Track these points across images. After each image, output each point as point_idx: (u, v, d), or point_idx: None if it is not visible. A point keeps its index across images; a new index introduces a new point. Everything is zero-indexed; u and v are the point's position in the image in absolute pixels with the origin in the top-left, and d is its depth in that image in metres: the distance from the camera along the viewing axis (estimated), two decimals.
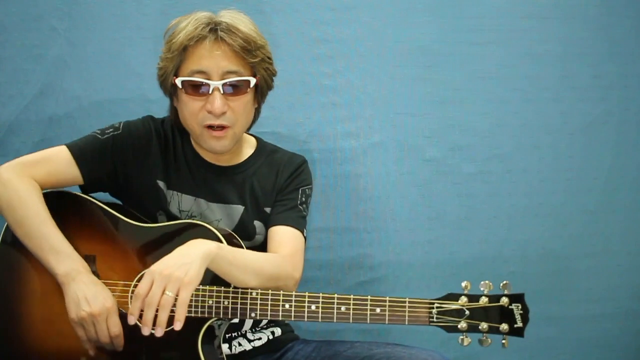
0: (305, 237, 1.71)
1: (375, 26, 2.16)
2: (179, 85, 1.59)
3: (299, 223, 1.70)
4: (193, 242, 1.48)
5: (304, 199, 1.74)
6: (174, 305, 1.39)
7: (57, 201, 1.61)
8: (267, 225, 1.71)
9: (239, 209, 1.70)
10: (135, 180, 1.66)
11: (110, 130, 1.66)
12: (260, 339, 1.70)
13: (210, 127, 1.60)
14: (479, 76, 2.19)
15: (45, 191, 1.61)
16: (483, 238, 2.19)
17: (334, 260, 2.13)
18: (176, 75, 1.60)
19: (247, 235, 1.69)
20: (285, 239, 1.67)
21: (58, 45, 2.05)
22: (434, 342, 2.10)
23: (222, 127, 1.60)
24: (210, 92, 1.57)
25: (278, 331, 1.76)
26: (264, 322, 1.73)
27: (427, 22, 2.17)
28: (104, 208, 1.63)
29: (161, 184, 1.67)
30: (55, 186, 1.63)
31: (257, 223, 1.72)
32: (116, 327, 1.47)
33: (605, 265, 2.24)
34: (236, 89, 1.60)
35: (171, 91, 1.65)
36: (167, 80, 1.61)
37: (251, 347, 1.69)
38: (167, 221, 1.64)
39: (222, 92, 1.57)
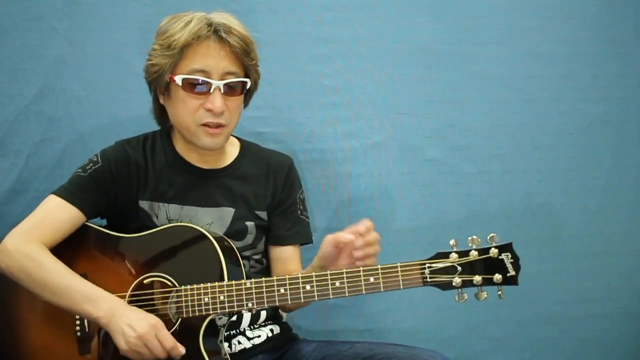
0: (312, 239, 1.82)
1: (375, 26, 2.16)
2: (179, 82, 1.59)
3: (308, 234, 1.81)
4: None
5: (302, 206, 1.81)
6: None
7: None
8: (274, 240, 1.76)
9: (230, 211, 1.71)
10: (120, 205, 1.68)
11: (91, 165, 1.67)
12: (259, 336, 1.71)
13: (207, 125, 1.61)
14: (479, 76, 2.19)
15: None
16: (483, 238, 2.18)
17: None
18: (173, 72, 1.60)
19: (239, 236, 1.71)
20: (296, 257, 1.78)
21: (58, 45, 2.04)
22: (435, 342, 2.11)
23: (218, 126, 1.62)
24: (211, 91, 1.59)
25: (277, 329, 1.76)
26: (262, 319, 1.73)
27: (427, 22, 2.17)
28: (89, 225, 1.65)
29: (145, 203, 1.68)
30: (61, 239, 1.60)
31: (248, 223, 1.73)
32: (168, 340, 1.48)
33: (605, 265, 2.24)
34: (233, 89, 1.63)
35: (163, 88, 1.65)
36: (162, 77, 1.62)
37: (251, 345, 1.69)
38: None
39: (222, 91, 1.59)
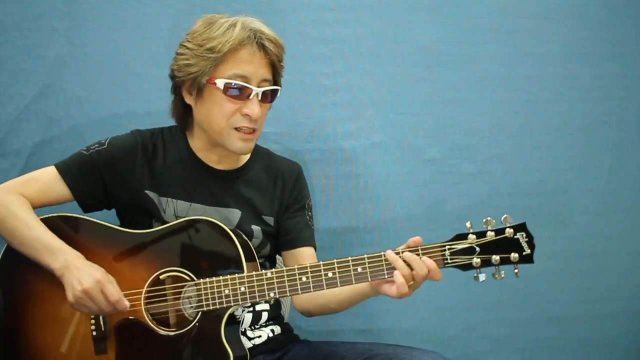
0: (316, 247, 1.81)
1: (375, 26, 2.16)
2: (220, 86, 1.59)
3: (314, 240, 1.80)
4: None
5: (310, 213, 1.81)
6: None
7: (56, 224, 1.63)
8: (288, 244, 1.77)
9: (237, 213, 1.71)
10: (125, 193, 1.68)
11: (96, 145, 1.68)
12: (260, 336, 1.70)
13: (241, 129, 1.62)
14: (479, 76, 2.19)
15: (50, 215, 1.63)
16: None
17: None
18: (212, 75, 1.60)
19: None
20: (314, 260, 1.76)
21: (58, 45, 2.04)
22: (435, 342, 2.11)
23: (252, 131, 1.64)
24: (250, 97, 1.60)
25: (277, 329, 1.75)
26: (263, 319, 1.73)
27: (427, 22, 2.17)
28: (101, 224, 1.65)
29: (151, 194, 1.68)
30: (46, 204, 1.65)
31: (254, 227, 1.73)
32: (113, 294, 1.51)
33: (605, 265, 2.25)
34: (266, 97, 1.65)
35: (195, 88, 1.63)
36: (199, 78, 1.60)
37: (252, 345, 1.68)
38: None
39: (259, 98, 1.61)
